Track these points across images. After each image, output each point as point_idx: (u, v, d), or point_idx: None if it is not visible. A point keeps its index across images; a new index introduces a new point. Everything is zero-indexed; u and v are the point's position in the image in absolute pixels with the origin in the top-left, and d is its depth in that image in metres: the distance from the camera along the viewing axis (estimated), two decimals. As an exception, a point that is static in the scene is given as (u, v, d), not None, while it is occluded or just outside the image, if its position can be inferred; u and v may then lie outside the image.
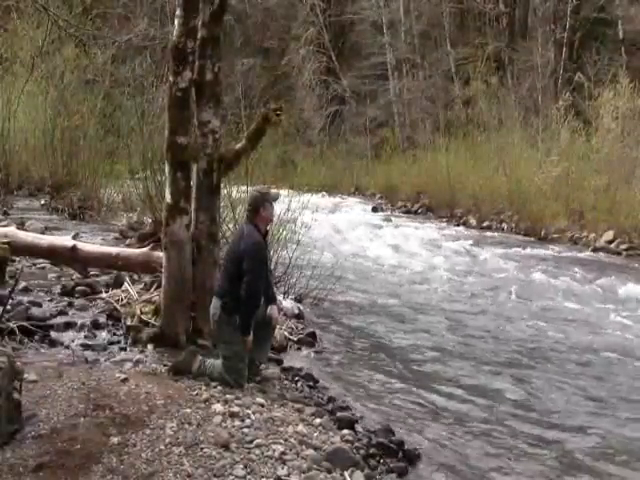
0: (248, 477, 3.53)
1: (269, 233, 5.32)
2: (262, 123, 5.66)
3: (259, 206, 4.96)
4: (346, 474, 3.79)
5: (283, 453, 3.81)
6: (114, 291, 6.66)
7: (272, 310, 5.06)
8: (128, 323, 5.86)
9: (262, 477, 3.55)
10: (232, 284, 4.81)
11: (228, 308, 4.81)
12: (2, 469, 3.36)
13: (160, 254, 5.99)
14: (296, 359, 5.97)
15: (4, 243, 6.60)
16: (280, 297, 6.65)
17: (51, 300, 6.44)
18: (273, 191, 5.27)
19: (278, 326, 5.79)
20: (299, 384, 5.28)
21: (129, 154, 11.91)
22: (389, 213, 19.26)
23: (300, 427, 4.18)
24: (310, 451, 3.89)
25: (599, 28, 22.94)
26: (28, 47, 15.04)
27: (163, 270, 5.60)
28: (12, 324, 5.37)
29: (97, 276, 7.36)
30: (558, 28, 23.21)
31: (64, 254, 7.08)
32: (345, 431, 4.39)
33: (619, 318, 8.12)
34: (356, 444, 4.22)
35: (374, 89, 28.29)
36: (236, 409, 4.28)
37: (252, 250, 4.80)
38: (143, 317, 5.86)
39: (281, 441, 3.95)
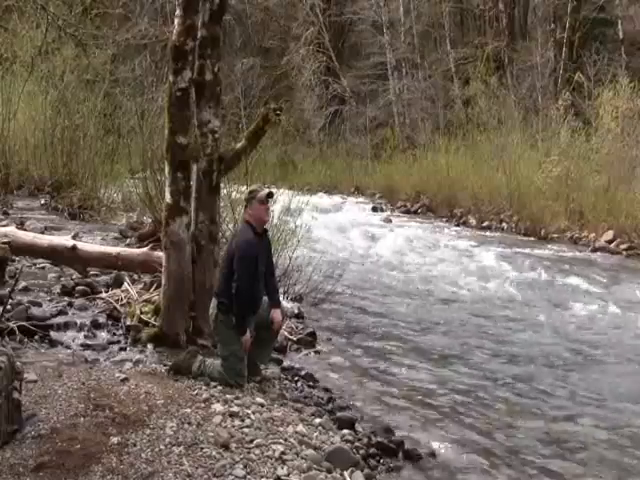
0: (248, 477, 3.53)
1: (267, 233, 5.24)
2: (262, 123, 5.67)
3: (246, 205, 4.99)
4: (346, 474, 3.79)
5: (283, 453, 3.81)
6: (114, 291, 6.66)
7: (274, 313, 5.01)
8: (128, 323, 5.87)
9: (262, 477, 3.56)
10: (227, 283, 4.81)
11: (224, 308, 4.81)
12: (2, 469, 3.36)
13: (160, 254, 5.99)
14: (296, 359, 5.98)
15: (4, 243, 6.60)
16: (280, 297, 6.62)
17: (51, 300, 6.44)
18: (264, 190, 5.09)
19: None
20: (299, 384, 5.29)
21: (129, 154, 11.92)
22: (389, 213, 19.22)
23: (300, 427, 4.18)
24: (310, 451, 3.89)
25: (599, 28, 22.92)
26: (28, 47, 15.03)
27: (163, 270, 5.60)
28: (12, 324, 5.37)
29: (97, 276, 7.35)
30: (558, 28, 23.20)
31: (64, 254, 7.09)
32: (345, 431, 4.40)
33: (618, 317, 8.12)
34: (356, 444, 4.23)
35: (374, 89, 28.25)
36: (236, 409, 4.28)
37: (241, 249, 4.80)
38: (143, 317, 5.86)
39: (281, 441, 3.95)
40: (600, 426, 5.04)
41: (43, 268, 7.72)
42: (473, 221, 17.09)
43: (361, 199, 22.25)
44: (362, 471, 3.89)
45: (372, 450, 4.25)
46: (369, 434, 4.46)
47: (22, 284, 6.58)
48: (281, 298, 6.68)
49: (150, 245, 7.25)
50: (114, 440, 3.70)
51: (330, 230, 13.49)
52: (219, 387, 4.65)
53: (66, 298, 6.53)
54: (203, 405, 4.30)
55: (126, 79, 14.92)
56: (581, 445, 4.73)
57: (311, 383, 5.37)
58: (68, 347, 5.37)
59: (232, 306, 4.77)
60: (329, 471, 3.76)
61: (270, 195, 5.02)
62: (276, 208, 7.60)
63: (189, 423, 4.00)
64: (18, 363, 3.94)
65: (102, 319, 6.04)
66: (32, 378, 4.34)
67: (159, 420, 3.99)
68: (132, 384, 4.47)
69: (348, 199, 21.63)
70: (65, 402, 4.10)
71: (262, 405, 4.45)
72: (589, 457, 4.57)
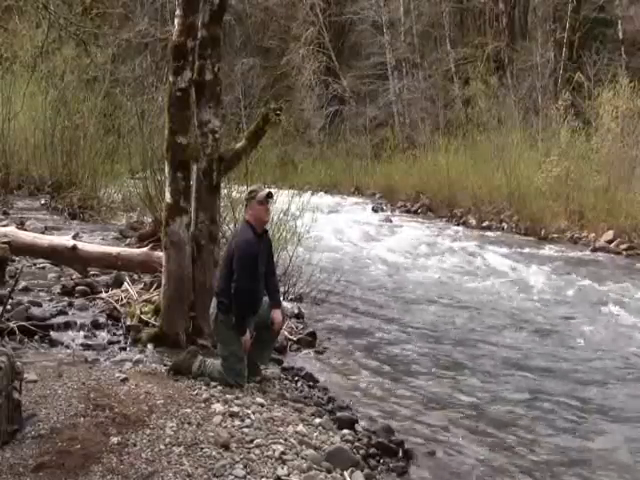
0: (248, 477, 3.53)
1: (267, 233, 5.23)
2: (262, 123, 5.67)
3: (246, 205, 5.00)
4: (346, 474, 3.79)
5: (283, 453, 3.81)
6: (114, 291, 6.67)
7: (275, 314, 5.00)
8: (128, 323, 5.87)
9: (262, 477, 3.56)
10: (227, 283, 4.81)
11: (224, 308, 4.81)
12: (2, 469, 3.36)
13: (160, 254, 6.00)
14: (296, 359, 5.98)
15: (4, 243, 6.61)
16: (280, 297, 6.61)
17: (51, 300, 6.45)
18: (264, 190, 5.05)
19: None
20: (299, 384, 5.29)
21: (129, 154, 11.92)
22: (389, 213, 19.22)
23: (300, 427, 4.18)
24: (310, 451, 3.89)
25: (599, 28, 22.91)
26: (28, 47, 15.04)
27: (163, 270, 5.60)
28: (12, 324, 5.38)
29: (97, 276, 7.36)
30: (558, 28, 23.19)
31: (64, 254, 7.09)
32: (345, 431, 4.40)
33: (618, 316, 8.11)
34: (356, 444, 4.23)
35: (374, 89, 28.24)
36: (236, 409, 4.28)
37: (241, 248, 4.80)
38: (143, 317, 5.87)
39: (281, 441, 3.95)
40: (623, 441, 4.84)
41: (43, 268, 7.73)
42: (473, 221, 17.09)
43: (361, 199, 22.25)
44: (362, 471, 3.88)
45: (372, 450, 4.25)
46: (369, 434, 4.46)
47: (22, 284, 6.60)
48: (281, 298, 6.70)
49: (150, 245, 7.25)
50: (114, 440, 3.70)
51: (330, 230, 13.48)
52: (219, 387, 4.65)
53: (66, 298, 6.55)
54: (203, 405, 4.30)
55: (126, 79, 14.91)
56: (590, 459, 4.57)
57: (311, 383, 5.37)
58: (68, 347, 5.38)
59: (232, 306, 4.77)
60: (329, 471, 3.76)
61: (270, 195, 5.00)
62: (276, 209, 7.59)
63: (189, 423, 4.00)
64: (18, 363, 3.94)
65: (102, 319, 6.05)
66: (32, 378, 4.34)
67: (159, 420, 3.99)
68: (132, 384, 4.47)
69: (348, 199, 21.63)
70: (65, 402, 4.10)
71: (262, 405, 4.45)
72: (603, 472, 4.42)
